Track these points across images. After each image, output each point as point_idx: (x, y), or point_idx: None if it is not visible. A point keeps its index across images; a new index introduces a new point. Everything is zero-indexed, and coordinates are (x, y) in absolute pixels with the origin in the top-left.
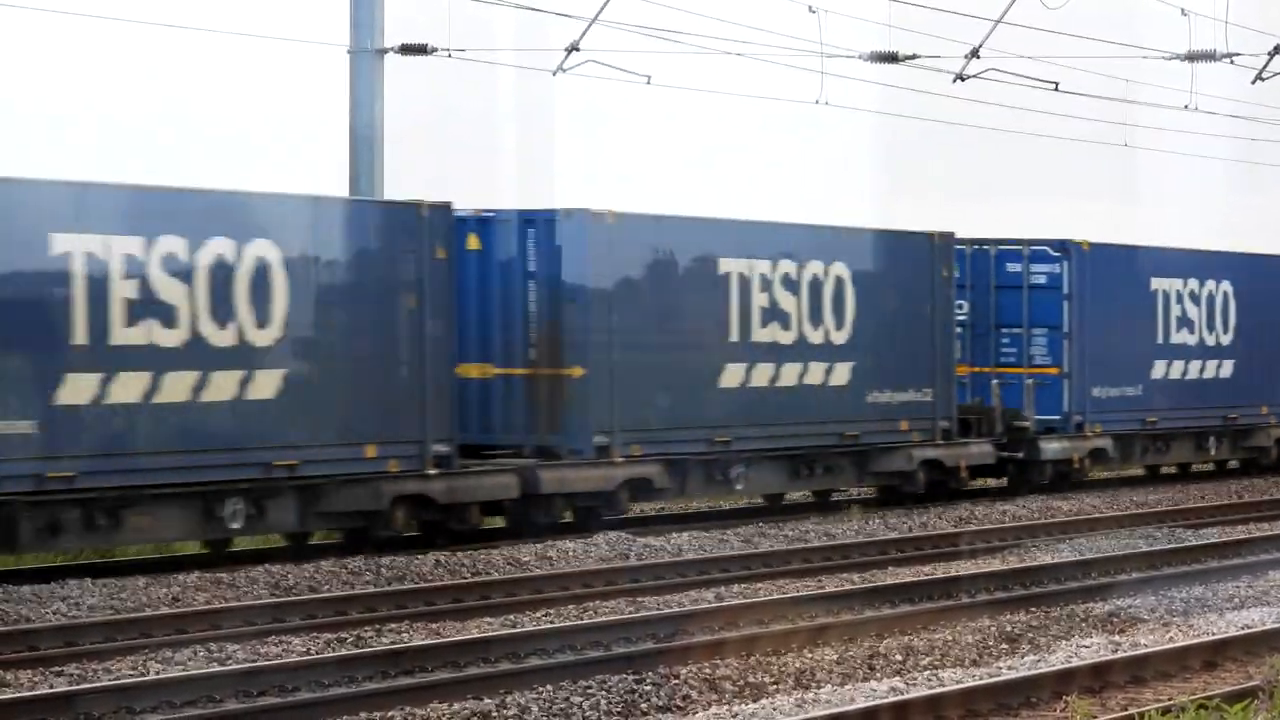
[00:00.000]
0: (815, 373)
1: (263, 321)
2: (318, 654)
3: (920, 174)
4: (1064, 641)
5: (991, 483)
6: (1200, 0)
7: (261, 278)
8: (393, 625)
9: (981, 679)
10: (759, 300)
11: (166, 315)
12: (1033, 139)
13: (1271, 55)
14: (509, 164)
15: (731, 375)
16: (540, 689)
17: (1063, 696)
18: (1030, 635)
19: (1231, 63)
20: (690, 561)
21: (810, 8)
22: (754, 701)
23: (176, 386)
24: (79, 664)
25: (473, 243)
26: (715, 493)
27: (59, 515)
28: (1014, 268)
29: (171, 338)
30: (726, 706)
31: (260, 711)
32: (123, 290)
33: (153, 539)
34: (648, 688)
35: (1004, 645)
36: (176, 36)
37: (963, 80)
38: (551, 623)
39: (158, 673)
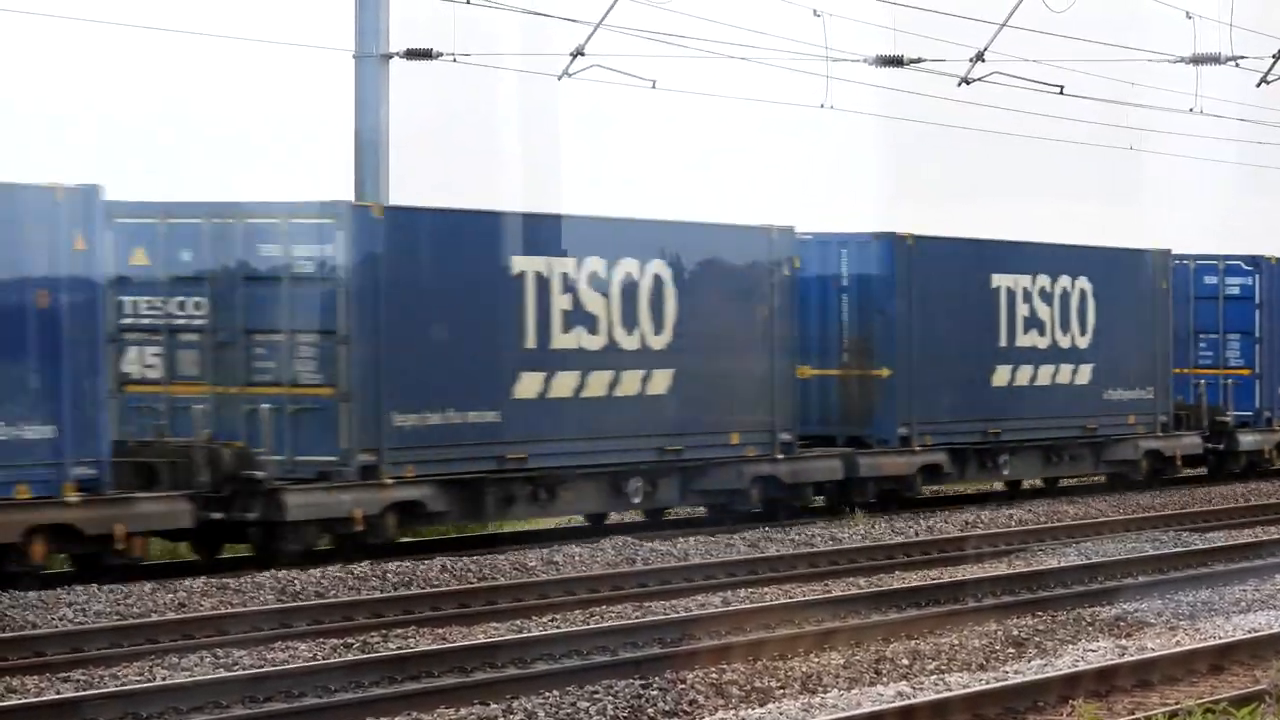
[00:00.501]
0: (1064, 373)
1: (658, 328)
2: (324, 659)
3: (925, 177)
4: (1070, 645)
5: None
6: (1205, 3)
7: (657, 292)
8: (399, 630)
9: (988, 683)
10: (1021, 310)
11: (591, 324)
12: (1038, 142)
13: (1277, 58)
14: (514, 168)
15: (1000, 375)
16: (547, 694)
17: (1069, 700)
18: (1037, 639)
19: (1237, 65)
20: (696, 566)
21: (815, 12)
22: (760, 706)
23: (597, 383)
24: (85, 670)
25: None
26: (986, 478)
27: (513, 490)
28: (1210, 280)
29: (594, 342)
30: (733, 711)
31: (267, 717)
32: (560, 303)
33: (576, 511)
34: (654, 693)
35: (1010, 649)
36: (182, 41)
37: (967, 84)
38: (558, 628)
39: (164, 679)
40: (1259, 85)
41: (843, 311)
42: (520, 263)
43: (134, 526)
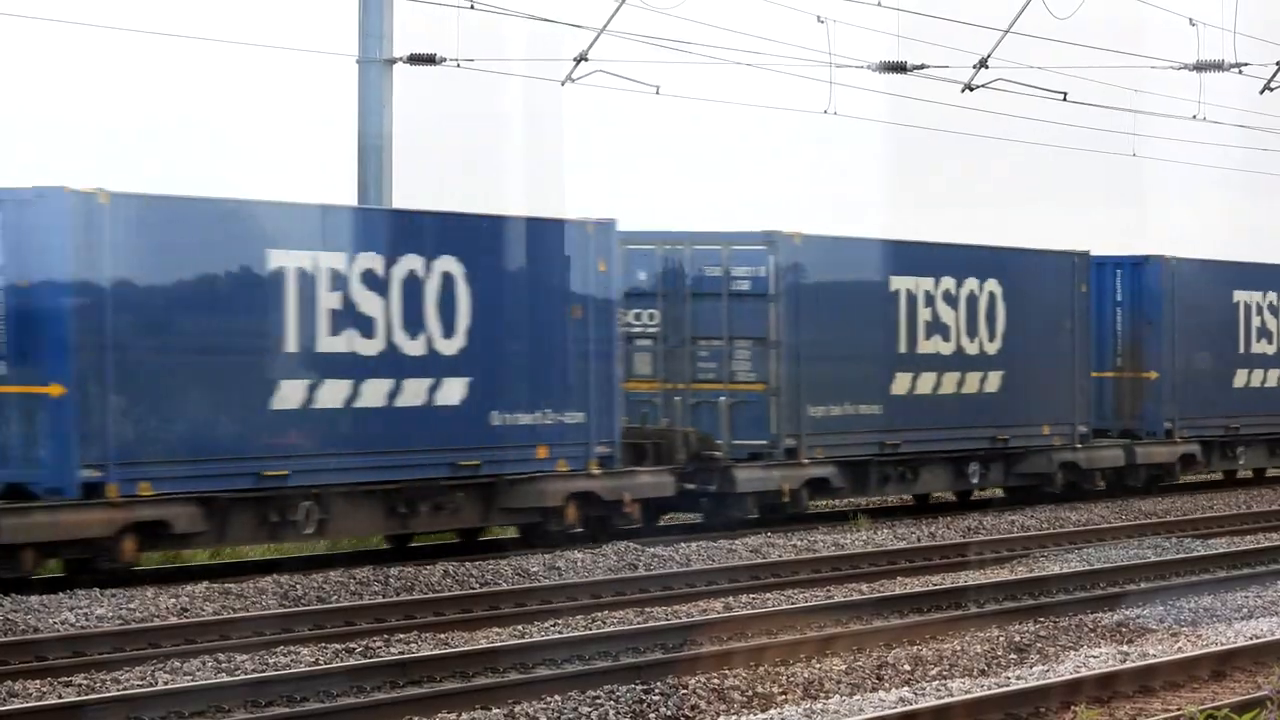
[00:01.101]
0: None
1: (992, 336)
2: (326, 664)
3: (929, 183)
4: (1072, 651)
5: None
6: (1208, 10)
7: (992, 306)
8: (401, 635)
9: (990, 689)
10: (1255, 321)
11: (945, 332)
12: (1041, 148)
13: (1279, 65)
14: (517, 174)
15: (1239, 378)
16: (548, 699)
17: (1071, 706)
18: (1039, 645)
19: (1240, 73)
20: (698, 572)
21: (819, 18)
22: (762, 712)
23: (949, 382)
24: (87, 674)
25: None
26: (1226, 467)
27: (888, 471)
28: None
29: (946, 348)
30: (735, 717)
31: None
32: (923, 315)
33: (931, 489)
34: (656, 698)
35: (1012, 655)
36: (185, 46)
37: (971, 90)
38: (559, 633)
39: (166, 683)
40: (1262, 92)
41: (1117, 323)
42: (896, 282)
43: (635, 495)
